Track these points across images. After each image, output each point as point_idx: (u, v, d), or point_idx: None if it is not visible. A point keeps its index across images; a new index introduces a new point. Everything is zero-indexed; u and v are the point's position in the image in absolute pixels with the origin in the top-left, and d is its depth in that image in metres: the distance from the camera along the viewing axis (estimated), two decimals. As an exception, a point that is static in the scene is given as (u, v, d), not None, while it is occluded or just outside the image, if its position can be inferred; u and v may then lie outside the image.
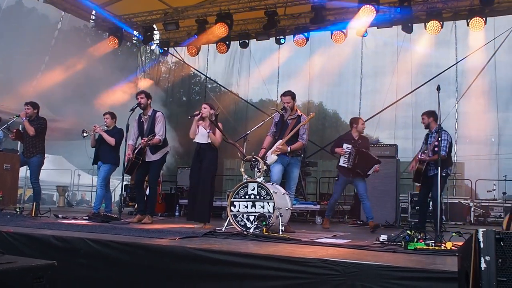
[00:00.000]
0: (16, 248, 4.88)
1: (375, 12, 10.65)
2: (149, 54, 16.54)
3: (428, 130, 7.73)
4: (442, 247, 4.40)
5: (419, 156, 7.53)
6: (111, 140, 8.61)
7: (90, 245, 4.60)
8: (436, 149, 7.00)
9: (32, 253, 4.67)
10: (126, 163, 7.80)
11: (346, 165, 7.85)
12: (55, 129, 12.68)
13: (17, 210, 8.28)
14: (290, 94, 7.13)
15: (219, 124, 7.16)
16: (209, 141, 7.21)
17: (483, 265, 2.55)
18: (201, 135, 7.27)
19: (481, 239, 2.60)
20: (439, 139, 6.99)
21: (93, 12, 14.00)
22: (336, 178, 8.40)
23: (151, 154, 7.70)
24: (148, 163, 7.73)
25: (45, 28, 18.54)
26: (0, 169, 8.76)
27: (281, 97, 7.25)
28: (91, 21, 14.57)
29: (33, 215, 7.83)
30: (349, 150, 7.82)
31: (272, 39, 13.70)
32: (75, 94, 15.96)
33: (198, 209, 7.10)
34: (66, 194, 14.36)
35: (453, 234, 4.67)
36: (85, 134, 8.78)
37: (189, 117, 7.32)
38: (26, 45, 17.75)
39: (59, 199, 14.32)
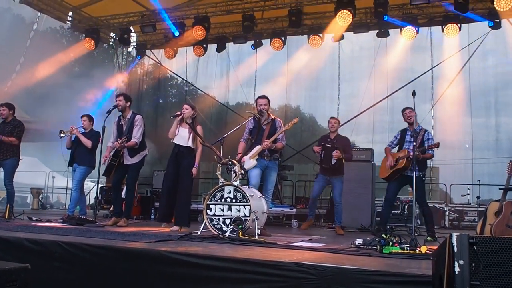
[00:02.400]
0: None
1: (351, 17, 10.74)
2: (125, 56, 16.38)
3: (408, 126, 7.48)
4: (417, 251, 4.45)
5: (411, 153, 6.92)
6: (87, 143, 8.47)
7: (65, 248, 4.54)
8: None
9: (5, 256, 4.60)
10: (103, 165, 7.72)
11: (319, 163, 8.12)
12: (29, 131, 12.47)
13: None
14: (267, 98, 7.20)
15: (199, 127, 7.13)
16: (189, 144, 7.12)
17: (457, 269, 2.59)
18: (181, 136, 7.20)
19: (455, 243, 2.63)
20: (427, 138, 7.15)
21: (70, 13, 13.82)
22: (315, 177, 8.58)
23: (130, 157, 7.64)
24: (126, 166, 7.68)
25: (20, 29, 18.27)
26: (-27, 170, 8.51)
27: (257, 100, 7.27)
28: (67, 22, 14.38)
29: (6, 217, 7.70)
30: (320, 151, 8.02)
31: (249, 43, 13.70)
32: (50, 96, 15.74)
33: (178, 213, 7.05)
34: (40, 196, 14.11)
35: (428, 238, 4.72)
36: (62, 135, 8.62)
37: (171, 117, 7.24)
38: (0, 46, 17.45)
39: (33, 201, 14.08)
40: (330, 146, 7.89)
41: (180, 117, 7.11)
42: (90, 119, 8.81)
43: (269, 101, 7.19)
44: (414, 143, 6.39)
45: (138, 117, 7.77)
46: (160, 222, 7.42)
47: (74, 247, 4.53)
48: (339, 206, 8.05)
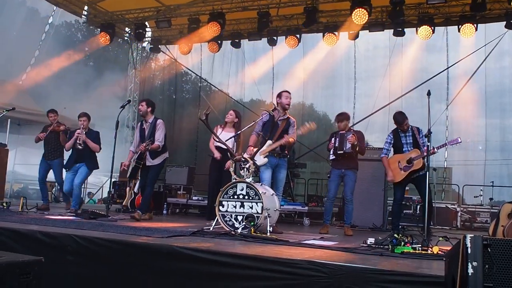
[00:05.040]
0: (2, 243, 4.84)
1: (367, 15, 10.69)
2: (140, 51, 16.45)
3: (396, 127, 7.52)
4: (429, 252, 4.43)
5: (433, 151, 6.89)
6: (96, 148, 8.67)
7: (78, 242, 4.58)
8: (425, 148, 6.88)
9: (19, 249, 4.64)
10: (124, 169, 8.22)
11: (333, 156, 7.54)
12: (42, 125, 12.57)
13: (4, 204, 8.27)
14: (290, 93, 7.22)
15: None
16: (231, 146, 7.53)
17: (470, 271, 2.57)
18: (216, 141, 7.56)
19: (468, 244, 2.62)
20: (422, 135, 7.16)
21: (85, 8, 13.91)
22: (328, 175, 7.97)
23: (151, 159, 7.93)
24: (148, 167, 7.98)
25: (35, 22, 18.42)
26: (-13, 163, 8.67)
27: (282, 93, 7.20)
28: (82, 16, 14.47)
29: (20, 210, 7.81)
30: (334, 140, 7.56)
31: (264, 40, 13.69)
32: (65, 89, 15.88)
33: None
34: (54, 189, 14.24)
35: (440, 238, 4.70)
36: (79, 143, 8.70)
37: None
38: (15, 39, 17.61)
39: (47, 195, 14.22)
40: (344, 132, 7.49)
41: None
42: (89, 118, 8.86)
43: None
44: (429, 143, 6.31)
45: (159, 121, 8.01)
46: (207, 220, 7.67)
47: (87, 240, 4.56)
48: (350, 204, 7.51)
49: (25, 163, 15.74)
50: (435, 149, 6.91)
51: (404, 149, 7.42)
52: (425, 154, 6.86)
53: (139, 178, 8.68)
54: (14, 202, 9.23)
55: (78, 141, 8.50)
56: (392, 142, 7.57)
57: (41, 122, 12.40)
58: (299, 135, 7.20)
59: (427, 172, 6.11)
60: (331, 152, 7.58)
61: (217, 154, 8.38)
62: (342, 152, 7.38)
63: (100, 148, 8.76)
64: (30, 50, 17.73)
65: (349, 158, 7.46)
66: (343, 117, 7.72)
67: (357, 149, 7.36)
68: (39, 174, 9.50)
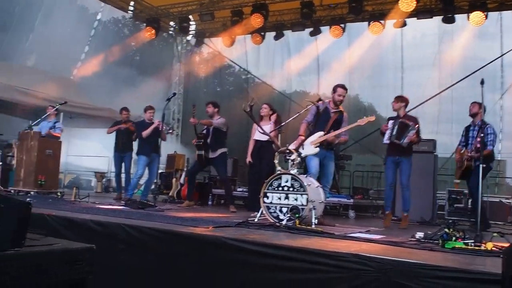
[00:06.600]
0: (57, 230, 4.99)
1: (415, 2, 10.36)
2: (184, 45, 16.60)
3: (471, 121, 7.60)
4: (482, 248, 4.24)
5: (468, 154, 7.31)
6: (165, 137, 9.51)
7: (127, 231, 4.68)
8: (478, 145, 6.79)
9: (72, 236, 4.74)
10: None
11: (388, 140, 7.33)
12: (95, 118, 13.00)
13: (58, 194, 8.70)
14: (346, 89, 7.03)
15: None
16: (269, 138, 7.65)
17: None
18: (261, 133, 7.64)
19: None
20: (486, 133, 7.03)
21: (131, 3, 14.14)
22: (384, 163, 7.78)
23: (211, 152, 8.63)
24: (209, 160, 8.70)
25: (84, 19, 18.95)
26: (42, 154, 9.00)
27: (336, 88, 6.99)
28: (129, 12, 14.72)
29: (73, 199, 8.11)
30: (391, 125, 7.32)
31: (308, 30, 13.52)
32: (113, 83, 16.24)
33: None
34: (104, 180, 14.65)
35: (494, 234, 4.51)
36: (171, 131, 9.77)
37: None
38: (66, 36, 18.14)
39: (97, 184, 14.62)
40: (406, 121, 7.22)
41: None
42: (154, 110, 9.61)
43: (346, 93, 7.08)
44: (482, 134, 6.22)
45: (222, 119, 8.71)
46: (249, 211, 7.58)
47: (136, 230, 4.66)
48: (407, 190, 7.27)
49: (77, 154, 16.34)
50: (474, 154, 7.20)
51: (469, 143, 7.61)
52: (469, 154, 7.29)
53: (184, 169, 9.01)
54: (67, 192, 9.63)
55: (166, 130, 9.39)
56: (463, 135, 7.79)
57: (91, 115, 12.83)
58: (357, 127, 6.99)
59: (480, 165, 5.88)
60: (385, 137, 7.38)
61: (249, 159, 8.63)
62: (397, 142, 7.18)
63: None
64: (80, 46, 18.29)
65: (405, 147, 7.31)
66: (401, 99, 7.59)
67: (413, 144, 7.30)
68: (116, 168, 10.52)
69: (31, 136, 9.05)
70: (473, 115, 7.57)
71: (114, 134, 10.33)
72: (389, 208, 7.51)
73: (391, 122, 7.38)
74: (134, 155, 10.07)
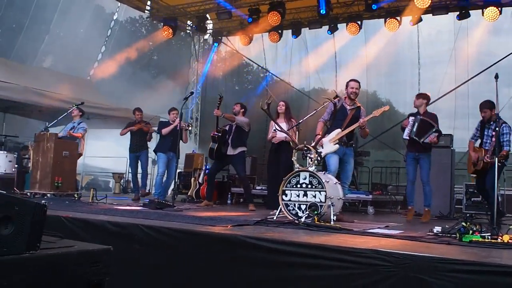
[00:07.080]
0: (74, 232, 5.01)
1: (430, -1, 10.33)
2: (202, 44, 16.68)
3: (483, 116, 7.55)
4: (499, 240, 4.26)
5: (487, 160, 7.27)
6: (186, 139, 9.70)
7: (145, 232, 4.69)
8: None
9: (89, 238, 4.81)
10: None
11: (408, 137, 7.46)
12: (112, 118, 13.02)
13: (75, 196, 8.64)
14: (359, 82, 7.14)
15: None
16: (287, 137, 7.64)
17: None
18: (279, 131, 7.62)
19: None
20: (502, 133, 7.03)
21: (148, 3, 14.25)
22: (404, 159, 7.93)
23: (231, 148, 8.72)
24: (227, 156, 8.77)
25: (101, 19, 19.10)
26: (59, 155, 8.95)
27: (349, 82, 7.11)
28: (146, 11, 14.84)
29: (91, 201, 8.13)
30: (412, 122, 7.45)
31: (325, 28, 13.52)
32: (130, 83, 16.37)
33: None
34: (122, 180, 14.72)
35: (510, 227, 4.51)
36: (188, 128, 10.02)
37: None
38: (83, 36, 18.31)
39: (115, 185, 14.70)
40: (431, 122, 7.30)
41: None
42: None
43: (360, 86, 7.15)
44: (498, 129, 6.22)
45: (245, 119, 8.89)
46: (268, 209, 7.67)
47: (154, 230, 4.67)
48: (427, 186, 7.42)
49: (95, 155, 16.34)
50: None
51: (484, 140, 7.57)
52: (488, 160, 7.26)
53: (203, 168, 9.08)
54: (85, 194, 9.62)
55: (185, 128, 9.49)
56: (479, 130, 7.71)
57: (108, 116, 12.86)
58: (373, 118, 7.04)
59: (495, 158, 5.89)
60: (405, 133, 7.51)
61: (271, 137, 8.60)
62: (416, 139, 7.32)
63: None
64: (97, 46, 18.42)
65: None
66: (423, 96, 7.67)
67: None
68: (132, 168, 10.62)
69: (47, 137, 8.97)
70: (488, 120, 7.46)
71: (129, 134, 10.45)
72: (412, 203, 7.69)
73: (411, 118, 7.50)
74: (151, 155, 10.24)
